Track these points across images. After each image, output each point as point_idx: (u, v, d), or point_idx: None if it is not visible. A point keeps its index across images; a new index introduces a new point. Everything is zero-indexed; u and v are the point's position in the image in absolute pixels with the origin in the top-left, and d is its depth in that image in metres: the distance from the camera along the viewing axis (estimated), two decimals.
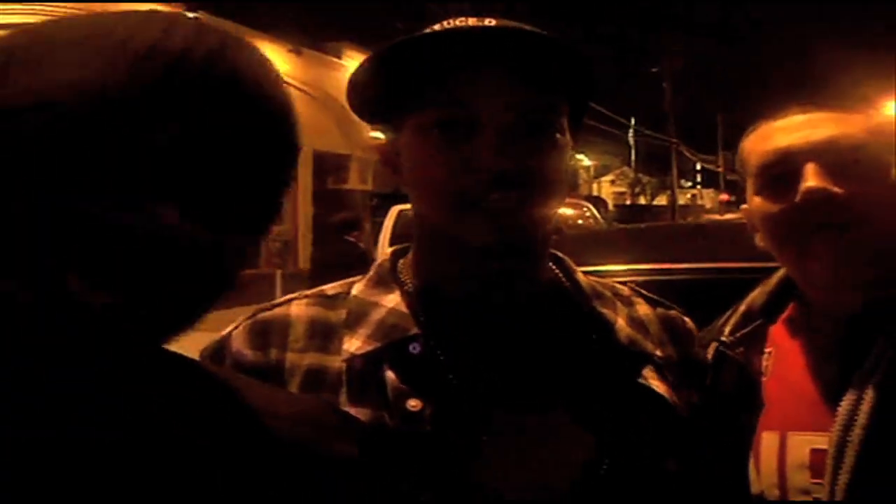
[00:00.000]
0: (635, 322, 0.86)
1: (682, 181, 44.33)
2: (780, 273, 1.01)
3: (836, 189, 0.85)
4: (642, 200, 38.35)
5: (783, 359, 0.95)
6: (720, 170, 55.56)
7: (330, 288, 0.86)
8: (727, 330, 1.00)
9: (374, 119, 0.84)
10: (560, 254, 0.90)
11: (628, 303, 0.89)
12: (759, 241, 0.97)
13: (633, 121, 31.07)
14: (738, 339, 0.98)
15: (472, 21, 0.76)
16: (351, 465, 0.63)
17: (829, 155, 0.87)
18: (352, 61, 15.12)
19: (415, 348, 0.78)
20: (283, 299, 0.86)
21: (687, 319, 0.93)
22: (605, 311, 0.85)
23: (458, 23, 0.77)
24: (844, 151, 0.87)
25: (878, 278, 0.86)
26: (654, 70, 29.57)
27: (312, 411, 0.67)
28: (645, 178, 39.25)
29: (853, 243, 0.86)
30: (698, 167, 54.77)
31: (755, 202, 0.94)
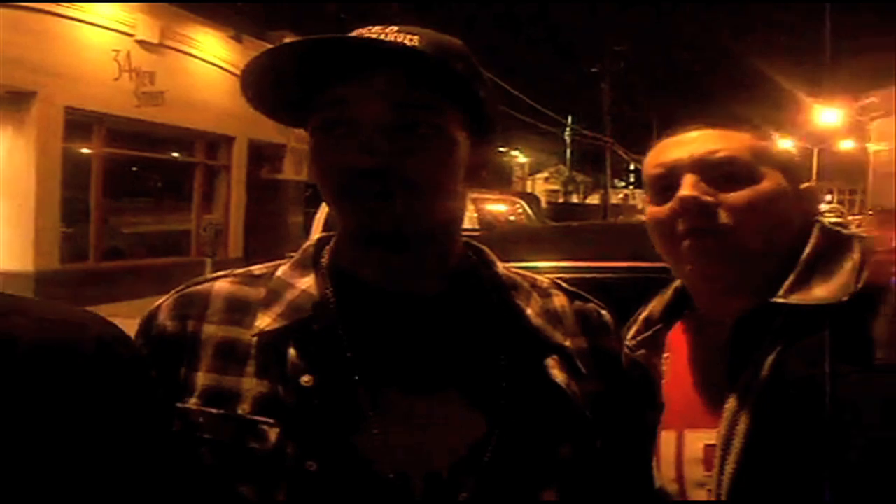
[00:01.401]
0: (549, 313, 0.91)
1: (616, 181, 45.23)
2: (678, 282, 1.08)
3: (707, 198, 0.93)
4: (575, 199, 38.95)
5: (678, 362, 1.02)
6: None
7: (258, 268, 0.92)
8: (630, 334, 1.06)
9: (280, 118, 0.88)
10: (481, 245, 0.94)
11: (545, 294, 0.94)
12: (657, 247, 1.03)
13: (570, 119, 31.52)
14: (640, 342, 1.05)
15: (375, 29, 0.83)
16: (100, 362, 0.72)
17: (705, 167, 0.96)
18: None
19: (316, 328, 0.83)
20: (211, 276, 0.91)
21: (604, 312, 0.98)
22: (517, 301, 0.90)
23: (353, 33, 0.83)
24: (719, 164, 0.95)
25: (758, 284, 0.93)
26: (594, 70, 30.05)
27: (70, 317, 0.75)
28: (579, 177, 39.90)
29: (720, 248, 0.94)
30: (632, 167, 56.02)
31: (647, 212, 1.02)
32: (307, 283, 0.87)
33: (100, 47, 10.62)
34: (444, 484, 0.79)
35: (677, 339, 1.04)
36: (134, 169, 12.31)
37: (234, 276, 0.90)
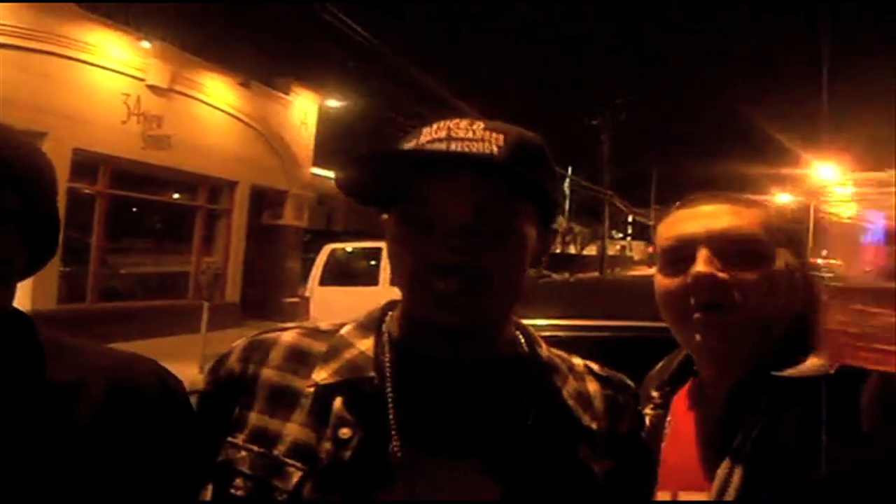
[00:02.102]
0: (581, 396, 0.97)
1: (613, 232, 45.38)
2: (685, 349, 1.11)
3: (721, 274, 0.97)
4: (572, 249, 39.02)
5: (679, 425, 1.06)
6: (652, 223, 57.10)
7: (325, 324, 1.00)
8: (642, 396, 1.10)
9: (368, 204, 0.95)
10: (528, 327, 1.01)
11: (579, 378, 0.99)
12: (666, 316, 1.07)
13: (570, 170, 31.77)
14: (652, 406, 1.09)
15: (463, 126, 0.90)
16: (154, 400, 0.90)
17: (720, 244, 0.99)
18: (298, 98, 15.13)
19: (366, 388, 0.90)
20: (284, 325, 1.00)
21: (631, 399, 1.03)
22: (554, 382, 0.96)
23: (436, 132, 0.90)
24: (734, 242, 0.99)
25: (757, 356, 0.97)
26: (594, 122, 30.41)
27: (132, 361, 0.94)
28: (577, 228, 40.05)
29: (732, 323, 0.97)
30: (630, 219, 56.18)
31: (658, 281, 1.06)
32: (366, 344, 0.94)
33: (110, 91, 10.83)
34: None
35: (680, 403, 1.08)
36: (134, 209, 12.39)
37: (302, 329, 0.98)
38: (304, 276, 12.26)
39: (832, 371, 0.91)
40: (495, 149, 0.87)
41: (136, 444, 0.86)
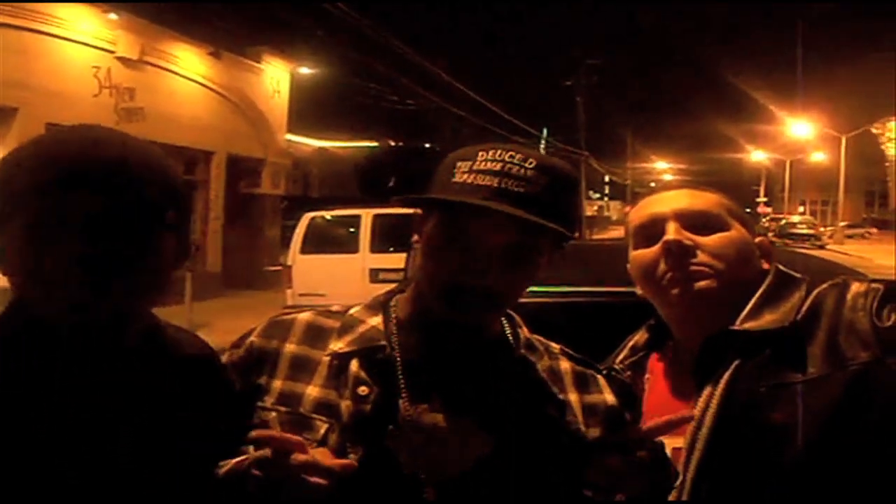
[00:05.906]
0: (553, 371, 1.12)
1: (591, 192, 45.59)
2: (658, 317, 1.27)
3: (687, 241, 1.16)
4: None
5: (656, 381, 1.24)
6: (628, 182, 57.35)
7: (335, 306, 1.15)
8: (618, 360, 1.29)
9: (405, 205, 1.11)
10: (513, 314, 1.15)
11: (553, 357, 1.15)
12: (639, 290, 1.24)
13: (545, 132, 31.77)
14: (627, 366, 1.27)
15: (517, 161, 1.00)
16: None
17: (684, 217, 1.19)
18: (270, 66, 15.00)
19: (378, 354, 1.05)
20: (297, 310, 1.16)
21: (598, 376, 1.18)
22: (531, 359, 1.11)
23: (490, 163, 1.01)
24: (695, 215, 1.19)
25: (721, 316, 1.13)
26: (567, 83, 30.36)
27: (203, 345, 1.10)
28: None
29: (698, 278, 1.15)
30: (606, 179, 56.39)
31: (633, 256, 1.23)
32: (376, 321, 1.10)
33: (80, 64, 10.73)
34: (452, 487, 1.00)
35: (656, 362, 1.26)
36: None
37: (316, 310, 1.14)
38: (284, 242, 12.28)
39: (787, 324, 1.09)
40: (540, 191, 0.99)
41: (208, 404, 1.00)
